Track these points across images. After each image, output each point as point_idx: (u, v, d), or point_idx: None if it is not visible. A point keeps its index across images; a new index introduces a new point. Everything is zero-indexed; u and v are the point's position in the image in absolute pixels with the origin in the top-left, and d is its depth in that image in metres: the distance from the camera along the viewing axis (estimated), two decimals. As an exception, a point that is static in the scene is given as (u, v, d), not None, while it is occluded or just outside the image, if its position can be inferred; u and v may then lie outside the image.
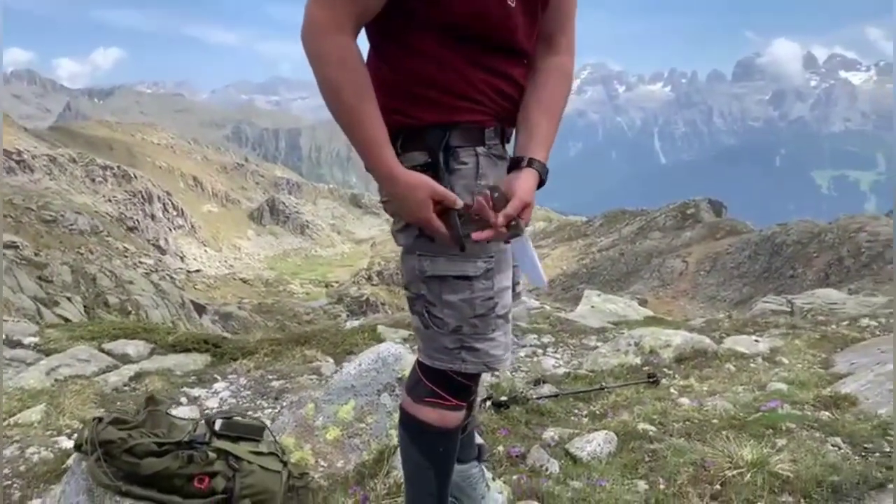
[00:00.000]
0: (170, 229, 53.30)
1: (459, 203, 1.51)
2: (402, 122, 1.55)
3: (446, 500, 1.92)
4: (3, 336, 6.12)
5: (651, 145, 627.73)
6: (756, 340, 6.20)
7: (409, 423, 1.83)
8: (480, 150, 1.61)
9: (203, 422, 2.29)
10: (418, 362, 1.80)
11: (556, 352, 6.64)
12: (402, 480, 2.40)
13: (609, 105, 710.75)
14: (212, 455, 2.16)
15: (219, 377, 5.28)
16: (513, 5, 1.54)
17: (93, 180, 50.92)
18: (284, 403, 4.20)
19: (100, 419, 2.16)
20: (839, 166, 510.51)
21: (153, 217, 52.00)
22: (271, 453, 2.32)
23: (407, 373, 2.90)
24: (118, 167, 53.61)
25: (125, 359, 5.79)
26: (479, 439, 2.03)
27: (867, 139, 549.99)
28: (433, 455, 1.83)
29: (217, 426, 2.26)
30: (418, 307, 1.71)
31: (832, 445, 2.90)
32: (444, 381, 1.74)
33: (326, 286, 52.27)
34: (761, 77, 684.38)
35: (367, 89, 1.46)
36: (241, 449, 2.24)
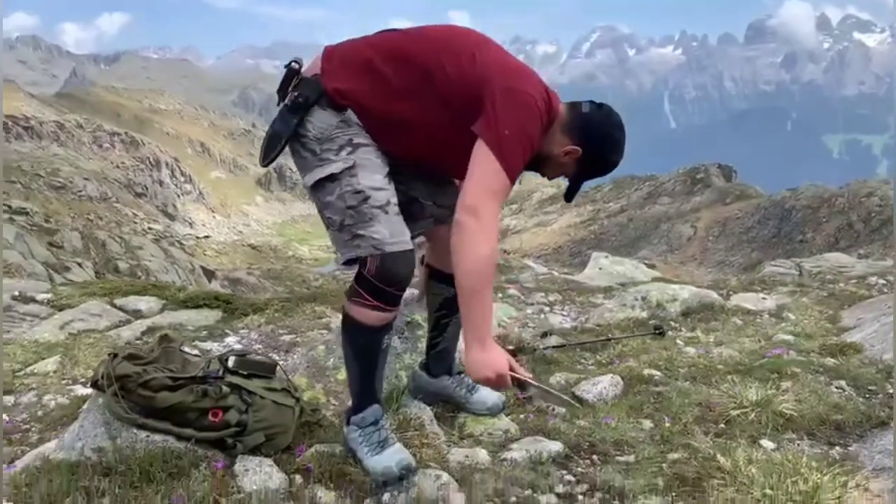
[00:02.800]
0: (178, 195, 53.24)
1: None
2: (344, 97, 2.10)
3: (374, 391, 2.23)
4: (17, 293, 6.20)
5: (661, 109, 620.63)
6: (763, 298, 6.19)
7: (343, 319, 2.19)
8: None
9: (216, 358, 2.33)
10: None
11: (562, 309, 6.66)
12: (410, 416, 2.48)
13: (619, 69, 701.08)
14: (225, 389, 2.20)
15: (230, 332, 5.33)
16: None
17: (100, 146, 50.85)
18: (295, 356, 4.25)
19: (115, 355, 2.21)
20: (851, 130, 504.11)
21: (161, 183, 51.95)
22: (284, 389, 2.37)
23: (415, 316, 2.95)
24: (126, 133, 53.44)
25: (137, 314, 5.86)
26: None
27: (880, 102, 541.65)
28: (356, 346, 2.18)
29: (230, 363, 2.31)
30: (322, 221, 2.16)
31: (836, 388, 2.93)
32: (363, 283, 2.08)
33: (335, 252, 52.29)
34: (773, 39, 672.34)
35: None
36: (254, 384, 2.28)
